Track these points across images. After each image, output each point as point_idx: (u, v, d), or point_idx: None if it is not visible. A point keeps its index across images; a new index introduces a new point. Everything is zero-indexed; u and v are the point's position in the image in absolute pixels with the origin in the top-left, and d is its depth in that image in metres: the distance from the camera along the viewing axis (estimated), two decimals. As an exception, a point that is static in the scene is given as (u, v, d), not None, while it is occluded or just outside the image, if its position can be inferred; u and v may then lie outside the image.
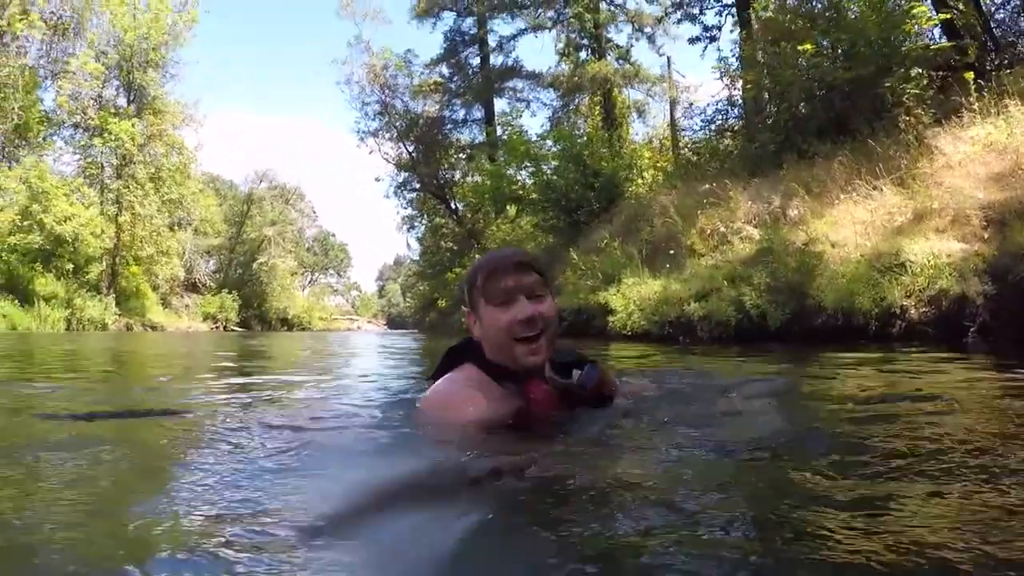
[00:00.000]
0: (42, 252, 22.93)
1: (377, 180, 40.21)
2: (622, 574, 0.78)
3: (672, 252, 9.25)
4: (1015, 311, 4.53)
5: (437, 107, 28.11)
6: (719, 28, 15.56)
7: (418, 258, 33.68)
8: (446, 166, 28.34)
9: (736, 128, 12.67)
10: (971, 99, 7.23)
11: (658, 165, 16.56)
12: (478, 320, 1.58)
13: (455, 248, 27.61)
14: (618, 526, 0.89)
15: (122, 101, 28.09)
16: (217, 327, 34.09)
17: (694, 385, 2.34)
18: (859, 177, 7.41)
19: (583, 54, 23.86)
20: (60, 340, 11.30)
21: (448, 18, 26.94)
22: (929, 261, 5.30)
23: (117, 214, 26.69)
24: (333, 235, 66.84)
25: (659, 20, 21.39)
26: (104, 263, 26.11)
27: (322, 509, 0.94)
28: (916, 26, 8.61)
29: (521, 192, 17.12)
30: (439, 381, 1.61)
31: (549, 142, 16.80)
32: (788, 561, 0.79)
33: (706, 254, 8.59)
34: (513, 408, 1.51)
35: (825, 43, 9.21)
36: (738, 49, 12.58)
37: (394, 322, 68.11)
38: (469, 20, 26.72)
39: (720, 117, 13.07)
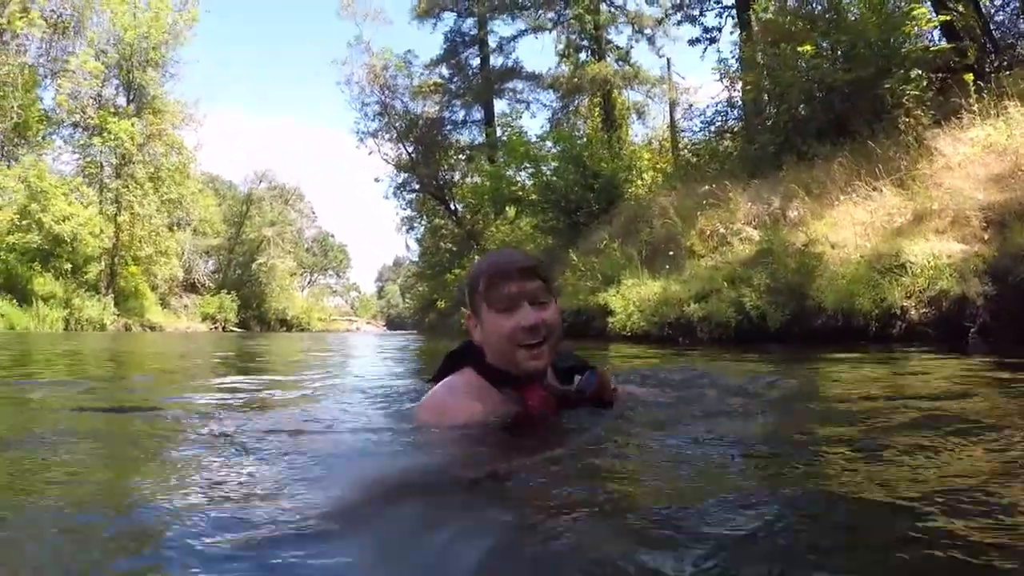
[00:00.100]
0: (40, 251, 22.92)
1: (376, 181, 40.33)
2: (622, 574, 0.77)
3: (672, 253, 9.24)
4: (1015, 312, 4.53)
5: (437, 108, 28.13)
6: (719, 30, 15.60)
7: (417, 259, 33.72)
8: (446, 167, 28.35)
9: (736, 129, 12.68)
10: (971, 101, 7.23)
11: (658, 166, 16.57)
12: (480, 324, 1.56)
13: (454, 249, 27.62)
14: (618, 526, 0.88)
15: (122, 100, 28.12)
16: (216, 328, 34.07)
17: (694, 385, 2.32)
18: (859, 178, 7.41)
19: (583, 55, 23.91)
20: (58, 340, 11.27)
21: (448, 19, 27.05)
22: (929, 262, 5.30)
23: (116, 214, 26.68)
24: (332, 236, 66.89)
25: (659, 22, 21.43)
26: (103, 263, 26.10)
27: (319, 509, 0.93)
28: (916, 28, 8.61)
29: (520, 193, 17.13)
30: (437, 386, 1.60)
31: (549, 143, 16.82)
32: (788, 562, 0.78)
33: (706, 255, 8.58)
34: (511, 413, 1.50)
35: (825, 45, 9.22)
36: (738, 51, 12.59)
37: (393, 323, 68.10)
38: (469, 21, 26.78)
39: (720, 118, 13.09)
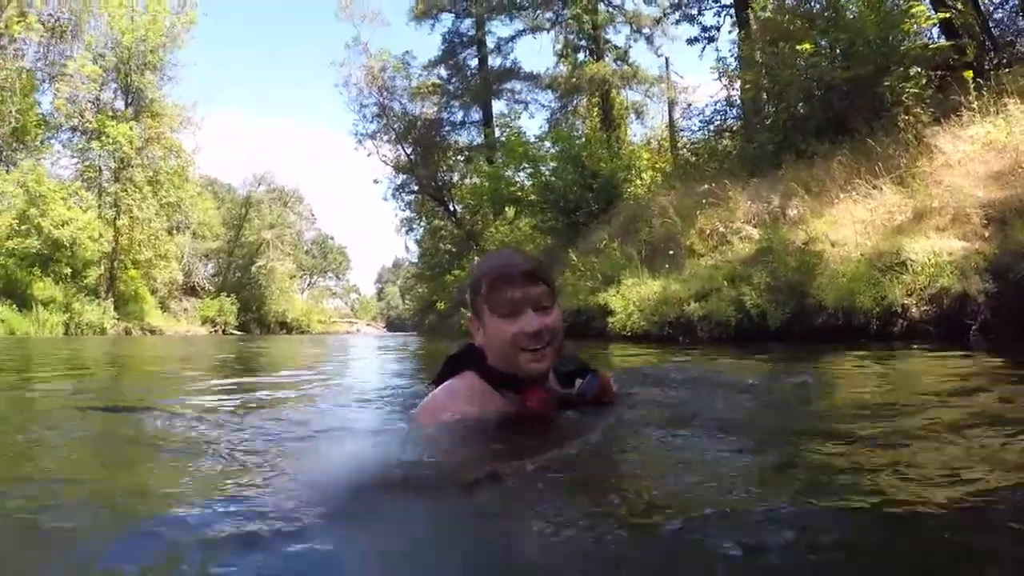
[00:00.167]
0: (40, 256, 22.89)
1: (375, 182, 40.15)
2: (621, 574, 0.76)
3: (671, 252, 9.23)
4: (1016, 309, 4.52)
5: (435, 109, 28.12)
6: (717, 28, 15.62)
7: (417, 260, 33.72)
8: (444, 168, 28.35)
9: (735, 128, 12.67)
10: (970, 98, 7.23)
11: (657, 166, 16.58)
12: (482, 327, 1.55)
13: (454, 250, 27.62)
14: (617, 527, 0.87)
15: (120, 104, 28.08)
16: (216, 331, 34.06)
17: (694, 384, 2.31)
18: (858, 176, 7.40)
19: (581, 55, 23.92)
20: (58, 345, 11.27)
21: (446, 20, 27.03)
22: (930, 259, 5.29)
23: (115, 218, 26.66)
24: (332, 238, 66.91)
25: (657, 21, 21.45)
26: (102, 267, 26.08)
27: (319, 510, 0.93)
28: (915, 25, 8.61)
29: (519, 193, 17.12)
30: (438, 390, 1.59)
31: (547, 143, 16.83)
32: (789, 560, 0.77)
33: (705, 254, 8.58)
34: (512, 415, 1.50)
35: (824, 43, 9.21)
36: (736, 49, 12.60)
37: (393, 324, 68.08)
38: (467, 22, 26.78)
39: (719, 117, 13.08)
